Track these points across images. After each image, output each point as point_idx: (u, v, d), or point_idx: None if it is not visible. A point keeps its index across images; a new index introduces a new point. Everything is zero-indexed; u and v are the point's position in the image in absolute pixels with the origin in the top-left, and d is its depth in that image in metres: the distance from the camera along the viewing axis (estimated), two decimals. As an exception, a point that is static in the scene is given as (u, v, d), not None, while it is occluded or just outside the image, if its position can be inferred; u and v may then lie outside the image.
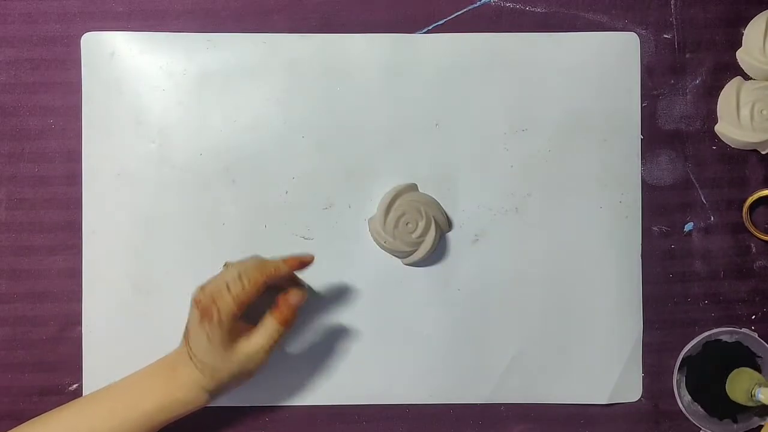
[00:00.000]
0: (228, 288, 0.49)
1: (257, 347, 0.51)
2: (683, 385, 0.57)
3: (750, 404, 0.54)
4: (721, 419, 0.56)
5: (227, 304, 0.49)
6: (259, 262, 0.51)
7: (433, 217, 0.56)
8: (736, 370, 0.55)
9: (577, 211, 0.58)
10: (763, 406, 0.54)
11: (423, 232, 0.56)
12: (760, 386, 0.53)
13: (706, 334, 0.57)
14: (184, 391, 0.51)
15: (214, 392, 0.51)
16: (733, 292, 0.58)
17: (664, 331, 0.58)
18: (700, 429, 0.57)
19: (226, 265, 0.53)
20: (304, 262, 0.53)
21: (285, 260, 0.52)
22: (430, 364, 0.57)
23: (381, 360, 0.57)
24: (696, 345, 0.57)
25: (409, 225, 0.55)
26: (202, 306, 0.49)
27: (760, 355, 0.56)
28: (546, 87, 0.58)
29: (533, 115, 0.58)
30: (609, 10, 0.58)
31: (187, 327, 0.51)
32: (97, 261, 0.57)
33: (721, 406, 0.56)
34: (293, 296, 0.52)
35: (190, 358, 0.50)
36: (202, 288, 0.50)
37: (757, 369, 0.56)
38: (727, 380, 0.55)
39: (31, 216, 0.57)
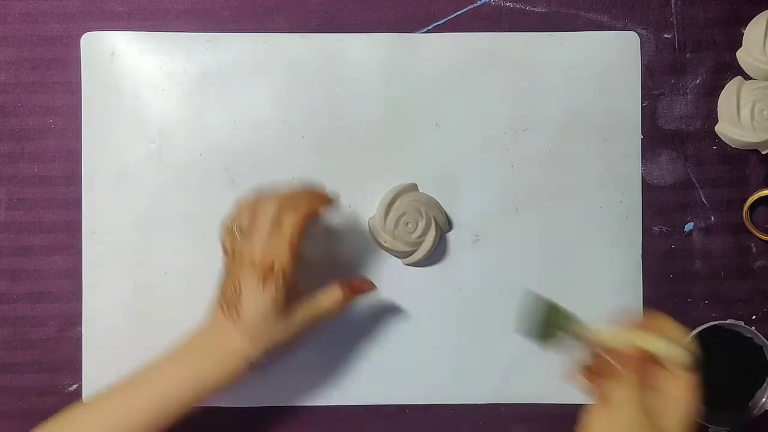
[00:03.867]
0: (286, 239, 0.46)
1: (320, 310, 0.48)
2: None
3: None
4: (731, 412, 0.55)
5: (286, 258, 0.46)
6: (299, 196, 0.48)
7: (433, 217, 0.56)
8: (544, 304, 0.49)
9: (577, 211, 0.58)
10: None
11: (423, 232, 0.56)
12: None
13: (699, 329, 0.55)
14: (223, 366, 0.47)
15: (255, 364, 0.48)
16: (733, 292, 0.58)
17: (665, 331, 0.58)
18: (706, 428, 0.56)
19: (243, 207, 0.48)
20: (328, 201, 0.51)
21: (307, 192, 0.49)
22: (430, 364, 0.57)
23: (381, 360, 0.57)
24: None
25: (409, 225, 0.55)
26: (264, 267, 0.46)
27: (757, 343, 0.55)
28: (546, 87, 0.58)
29: (533, 115, 0.57)
30: (609, 10, 0.58)
31: (226, 293, 0.47)
32: (97, 261, 0.57)
33: (723, 400, 0.55)
34: (367, 283, 0.53)
35: (236, 327, 0.47)
36: (249, 242, 0.46)
37: (762, 356, 0.55)
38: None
39: (31, 216, 0.57)
